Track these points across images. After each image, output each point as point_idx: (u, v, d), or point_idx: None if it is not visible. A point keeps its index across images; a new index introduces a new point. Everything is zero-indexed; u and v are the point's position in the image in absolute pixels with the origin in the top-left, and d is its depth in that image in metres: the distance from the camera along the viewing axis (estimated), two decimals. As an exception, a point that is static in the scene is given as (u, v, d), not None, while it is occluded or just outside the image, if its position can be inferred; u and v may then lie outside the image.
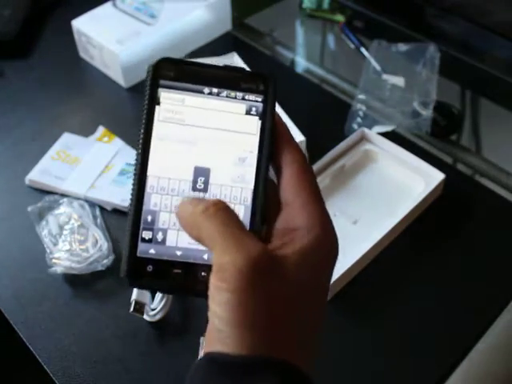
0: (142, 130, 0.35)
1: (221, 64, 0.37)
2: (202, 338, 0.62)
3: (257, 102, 0.36)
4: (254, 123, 0.36)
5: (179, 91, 0.36)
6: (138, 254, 0.34)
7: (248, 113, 0.36)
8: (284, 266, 0.30)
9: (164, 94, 0.36)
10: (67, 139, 0.84)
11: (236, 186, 0.35)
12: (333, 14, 1.06)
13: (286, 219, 0.33)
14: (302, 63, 1.02)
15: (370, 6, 1.05)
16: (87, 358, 0.63)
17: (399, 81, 0.89)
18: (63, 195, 0.77)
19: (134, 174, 0.35)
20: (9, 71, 0.98)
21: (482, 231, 0.74)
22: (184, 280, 0.34)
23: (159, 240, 0.34)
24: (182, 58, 0.33)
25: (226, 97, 0.36)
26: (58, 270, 0.69)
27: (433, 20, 1.01)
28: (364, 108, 0.86)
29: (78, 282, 0.69)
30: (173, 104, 0.36)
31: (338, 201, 0.75)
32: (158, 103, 0.36)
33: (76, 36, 0.97)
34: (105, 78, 0.96)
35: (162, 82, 0.36)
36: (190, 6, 0.97)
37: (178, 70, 0.36)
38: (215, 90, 0.36)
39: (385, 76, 0.90)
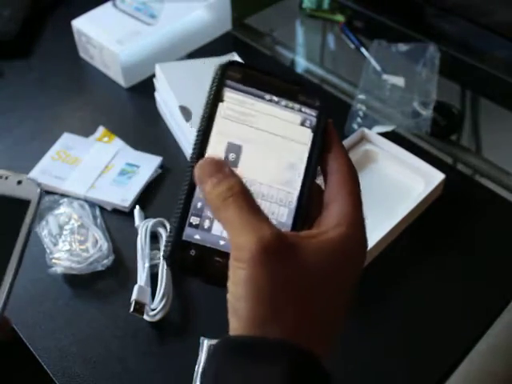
0: (204, 123, 0.37)
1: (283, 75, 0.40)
2: (201, 338, 0.63)
3: (311, 115, 0.39)
4: (307, 134, 0.39)
5: (243, 93, 0.38)
6: (184, 238, 0.35)
7: (302, 124, 0.39)
8: (299, 252, 0.32)
9: (228, 94, 0.38)
10: (67, 139, 0.84)
11: (283, 189, 0.37)
12: (333, 14, 1.06)
13: (321, 219, 0.35)
14: (302, 63, 1.02)
15: (369, 6, 1.05)
16: (87, 358, 0.63)
17: (399, 81, 0.89)
18: (63, 195, 0.77)
19: (191, 162, 0.36)
20: (9, 71, 0.98)
21: (482, 231, 0.74)
22: (223, 269, 0.34)
23: (205, 227, 0.36)
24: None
25: (285, 106, 0.39)
26: (58, 270, 0.69)
27: (433, 20, 1.01)
28: (364, 108, 0.86)
29: (77, 281, 0.69)
30: (235, 104, 0.38)
31: None
32: (222, 101, 0.38)
33: (76, 36, 0.97)
34: (105, 78, 0.96)
35: (228, 82, 0.38)
36: (190, 5, 0.97)
37: (245, 74, 0.39)
38: (275, 98, 0.39)
39: (385, 76, 0.90)
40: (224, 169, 0.34)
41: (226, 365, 0.31)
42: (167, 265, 0.36)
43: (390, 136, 0.81)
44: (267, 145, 0.38)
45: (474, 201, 0.77)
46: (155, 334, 0.65)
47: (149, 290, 0.66)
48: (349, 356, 0.63)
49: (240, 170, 0.37)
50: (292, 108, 0.39)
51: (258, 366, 0.30)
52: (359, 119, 0.85)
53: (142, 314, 0.64)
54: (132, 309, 0.64)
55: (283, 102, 0.39)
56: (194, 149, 0.37)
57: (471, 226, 0.74)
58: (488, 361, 0.63)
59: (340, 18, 1.05)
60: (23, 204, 0.38)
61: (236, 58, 0.90)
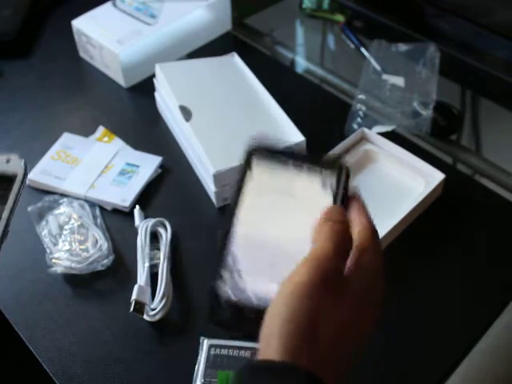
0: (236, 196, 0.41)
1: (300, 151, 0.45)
2: (201, 338, 0.63)
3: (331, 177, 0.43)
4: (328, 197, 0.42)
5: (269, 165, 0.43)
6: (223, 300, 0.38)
7: (324, 185, 0.42)
8: (343, 291, 0.36)
9: (256, 169, 0.42)
10: (67, 139, 0.84)
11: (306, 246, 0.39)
12: (333, 14, 1.06)
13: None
14: (302, 63, 1.02)
15: (369, 5, 1.05)
16: (87, 358, 0.63)
17: (399, 81, 0.89)
18: (63, 195, 0.77)
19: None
20: (9, 71, 0.98)
21: (482, 231, 0.74)
22: (257, 324, 0.36)
23: (240, 287, 0.39)
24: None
25: (307, 171, 0.42)
26: (58, 269, 0.69)
27: (433, 20, 1.01)
28: (364, 108, 0.86)
29: (78, 282, 0.69)
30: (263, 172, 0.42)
31: None
32: (250, 169, 0.42)
33: (76, 36, 0.97)
34: (105, 78, 0.96)
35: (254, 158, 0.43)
36: (190, 5, 0.97)
37: (270, 156, 0.43)
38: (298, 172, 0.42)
39: (385, 76, 0.90)
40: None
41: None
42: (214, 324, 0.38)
43: (390, 136, 0.81)
44: (293, 208, 0.41)
45: (473, 201, 0.77)
46: (155, 334, 0.65)
47: (149, 289, 0.66)
48: (349, 356, 0.63)
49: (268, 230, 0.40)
50: (313, 171, 0.42)
51: None
52: (359, 119, 0.85)
53: (142, 314, 0.64)
54: (132, 309, 0.64)
55: (305, 168, 0.42)
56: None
57: (471, 225, 0.74)
58: (488, 361, 0.63)
59: (340, 17, 1.05)
60: (11, 178, 0.42)
61: (236, 58, 0.90)
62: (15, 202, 0.46)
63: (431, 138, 0.85)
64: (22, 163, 0.43)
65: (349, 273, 0.37)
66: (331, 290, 0.34)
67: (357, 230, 0.39)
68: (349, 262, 0.37)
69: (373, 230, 0.40)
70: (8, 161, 0.42)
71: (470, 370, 0.62)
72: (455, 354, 0.63)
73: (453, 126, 0.88)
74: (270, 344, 0.33)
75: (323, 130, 0.84)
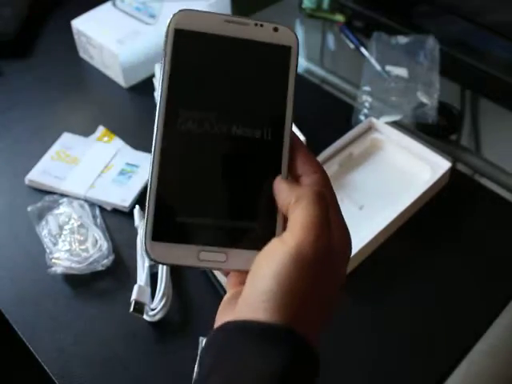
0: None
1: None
2: (201, 338, 0.63)
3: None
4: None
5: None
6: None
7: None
8: (330, 255, 0.34)
9: None
10: (67, 139, 0.84)
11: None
12: (333, 14, 1.06)
13: (309, 222, 0.35)
14: (302, 63, 1.02)
15: (370, 6, 1.05)
16: (87, 357, 0.63)
17: (402, 72, 0.89)
18: (63, 195, 0.77)
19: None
20: (8, 71, 0.98)
21: (482, 231, 0.74)
22: None
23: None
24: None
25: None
26: (58, 270, 0.69)
27: (433, 20, 1.01)
28: (370, 99, 0.86)
29: (77, 281, 0.69)
30: None
31: (346, 187, 0.77)
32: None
33: (76, 36, 0.97)
34: (105, 78, 0.96)
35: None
36: (190, 5, 0.97)
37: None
38: None
39: (388, 67, 0.90)
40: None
41: (230, 340, 0.32)
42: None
43: (395, 128, 0.82)
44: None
45: (473, 201, 0.77)
46: (155, 334, 0.65)
47: (149, 289, 0.66)
48: (349, 356, 0.63)
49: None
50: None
51: (260, 349, 0.31)
52: (365, 110, 0.85)
53: (142, 314, 0.64)
54: (132, 308, 0.64)
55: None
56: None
57: (471, 225, 0.74)
58: (488, 361, 0.63)
59: (340, 17, 1.05)
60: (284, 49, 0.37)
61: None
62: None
63: (431, 138, 0.85)
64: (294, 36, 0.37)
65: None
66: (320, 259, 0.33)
67: (308, 181, 0.36)
68: None
69: (327, 180, 0.37)
70: (276, 29, 0.36)
71: (470, 370, 0.62)
72: (455, 354, 0.63)
73: (452, 126, 0.88)
74: (259, 305, 0.32)
75: (323, 130, 0.85)
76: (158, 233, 0.34)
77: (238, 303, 0.33)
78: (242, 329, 0.32)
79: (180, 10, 0.36)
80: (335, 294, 0.36)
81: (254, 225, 0.35)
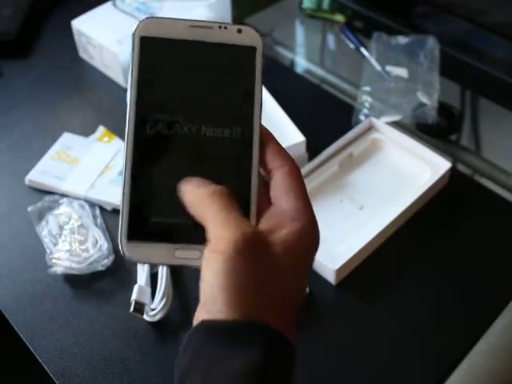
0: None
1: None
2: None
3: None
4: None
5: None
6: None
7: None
8: (271, 246, 0.35)
9: None
10: (67, 139, 0.84)
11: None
12: (333, 14, 1.06)
13: (275, 212, 0.37)
14: (301, 63, 1.02)
15: (370, 6, 1.05)
16: (87, 357, 0.63)
17: (402, 72, 0.89)
18: (63, 195, 0.77)
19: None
20: (9, 71, 0.98)
21: (482, 231, 0.74)
22: None
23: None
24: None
25: None
26: (58, 270, 0.69)
27: (433, 20, 1.01)
28: (370, 99, 0.86)
29: (77, 281, 0.69)
30: None
31: (346, 187, 0.77)
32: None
33: (76, 36, 0.97)
34: (105, 78, 0.96)
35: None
36: (190, 5, 0.97)
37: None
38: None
39: (388, 67, 0.90)
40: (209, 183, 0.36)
41: (204, 344, 0.33)
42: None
43: (395, 128, 0.82)
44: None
45: (473, 201, 0.77)
46: (155, 334, 0.65)
47: (149, 289, 0.66)
48: (348, 356, 0.63)
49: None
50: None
51: (232, 346, 0.32)
52: (366, 110, 0.85)
53: (142, 314, 0.64)
54: (132, 309, 0.64)
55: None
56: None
57: (471, 225, 0.74)
58: (488, 361, 0.63)
59: (340, 18, 1.05)
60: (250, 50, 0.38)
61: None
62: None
63: (431, 138, 0.85)
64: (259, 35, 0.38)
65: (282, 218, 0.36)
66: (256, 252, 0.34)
67: (283, 182, 0.37)
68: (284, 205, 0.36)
69: (298, 174, 0.37)
70: (239, 31, 0.37)
71: (470, 370, 0.62)
72: (455, 354, 0.63)
73: (452, 126, 0.88)
74: (213, 305, 0.34)
75: (323, 129, 0.85)
76: (133, 232, 0.36)
77: (201, 301, 0.35)
78: (210, 329, 0.33)
79: (145, 18, 0.37)
80: (299, 283, 0.37)
81: None
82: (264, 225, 0.36)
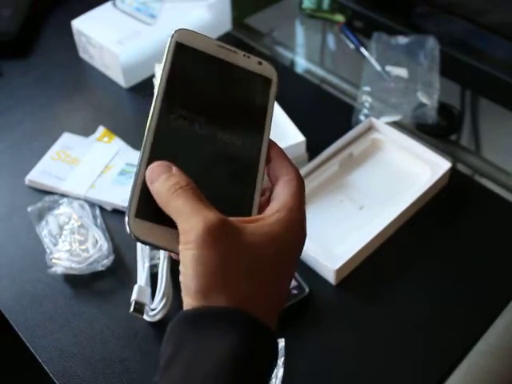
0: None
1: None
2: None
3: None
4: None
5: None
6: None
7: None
8: (240, 234, 0.35)
9: None
10: (67, 139, 0.84)
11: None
12: (333, 14, 1.06)
13: (266, 210, 0.38)
14: (301, 63, 1.02)
15: (370, 6, 1.05)
16: (87, 358, 0.63)
17: (402, 72, 0.89)
18: (63, 195, 0.77)
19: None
20: (9, 71, 0.98)
21: (482, 231, 0.74)
22: None
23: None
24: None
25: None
26: (58, 270, 0.69)
27: (433, 20, 1.01)
28: (370, 99, 0.86)
29: (77, 282, 0.69)
30: None
31: (346, 187, 0.77)
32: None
33: (76, 36, 0.97)
34: (105, 78, 0.96)
35: None
36: (190, 5, 0.97)
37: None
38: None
39: (388, 68, 0.90)
40: (171, 169, 0.37)
41: (183, 336, 0.34)
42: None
43: (395, 128, 0.82)
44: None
45: (473, 201, 0.77)
46: (155, 334, 0.65)
47: (149, 289, 0.66)
48: (348, 355, 0.63)
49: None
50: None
51: (213, 333, 0.33)
52: (366, 110, 0.85)
53: (142, 314, 0.64)
54: (132, 309, 0.64)
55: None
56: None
57: (471, 225, 0.74)
58: (488, 361, 0.63)
59: (340, 18, 1.05)
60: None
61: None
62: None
63: (431, 138, 0.85)
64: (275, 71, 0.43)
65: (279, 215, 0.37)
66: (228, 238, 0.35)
67: (282, 187, 0.39)
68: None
69: (300, 183, 0.39)
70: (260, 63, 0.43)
71: (470, 370, 0.62)
72: (455, 354, 0.63)
73: (452, 126, 0.88)
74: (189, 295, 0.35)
75: (323, 130, 0.85)
76: (141, 210, 0.37)
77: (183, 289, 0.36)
78: (194, 316, 0.34)
79: (181, 28, 0.41)
80: (284, 273, 0.37)
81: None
82: (247, 218, 0.37)
